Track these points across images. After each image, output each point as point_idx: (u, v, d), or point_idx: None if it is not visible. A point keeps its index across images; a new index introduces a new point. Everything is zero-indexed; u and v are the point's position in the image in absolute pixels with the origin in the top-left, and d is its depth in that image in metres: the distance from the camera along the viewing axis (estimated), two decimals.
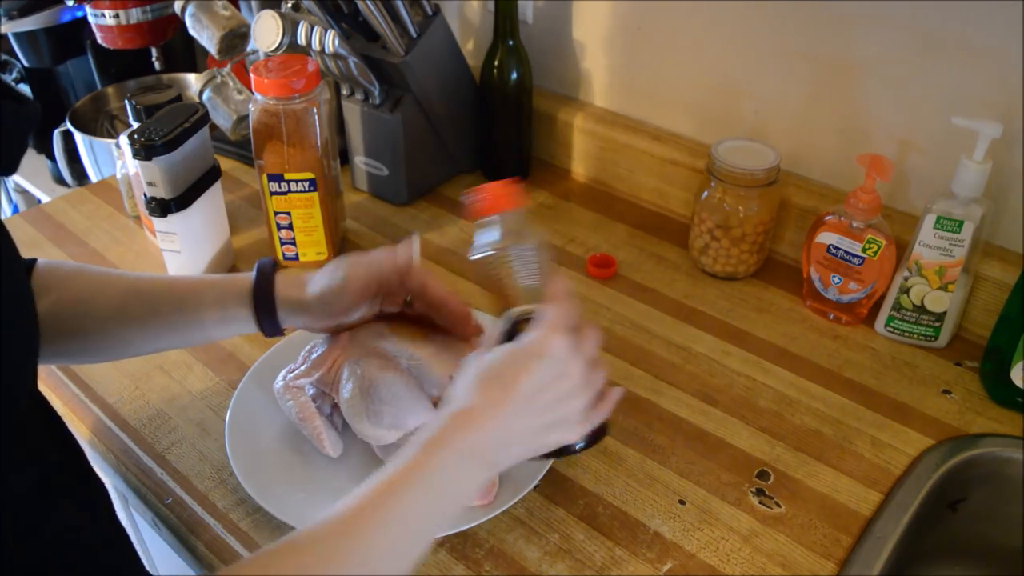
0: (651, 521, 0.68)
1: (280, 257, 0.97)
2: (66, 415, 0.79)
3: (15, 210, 1.69)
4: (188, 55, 1.46)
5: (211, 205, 0.92)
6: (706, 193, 0.92)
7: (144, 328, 0.69)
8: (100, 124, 1.35)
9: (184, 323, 0.69)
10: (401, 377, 0.69)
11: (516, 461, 0.58)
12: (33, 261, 0.68)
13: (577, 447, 0.61)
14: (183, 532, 0.68)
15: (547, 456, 0.60)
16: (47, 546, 0.47)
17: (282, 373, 0.74)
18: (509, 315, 0.62)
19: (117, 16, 1.11)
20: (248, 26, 1.00)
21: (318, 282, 0.69)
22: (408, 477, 0.51)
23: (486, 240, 0.63)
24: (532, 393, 0.55)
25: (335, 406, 0.73)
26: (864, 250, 0.83)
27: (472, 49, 1.20)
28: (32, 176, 1.55)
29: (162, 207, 0.86)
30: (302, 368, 0.73)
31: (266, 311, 0.68)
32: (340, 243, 1.00)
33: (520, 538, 0.67)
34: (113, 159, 1.09)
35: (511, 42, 1.05)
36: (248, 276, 0.70)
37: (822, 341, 0.86)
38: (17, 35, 1.37)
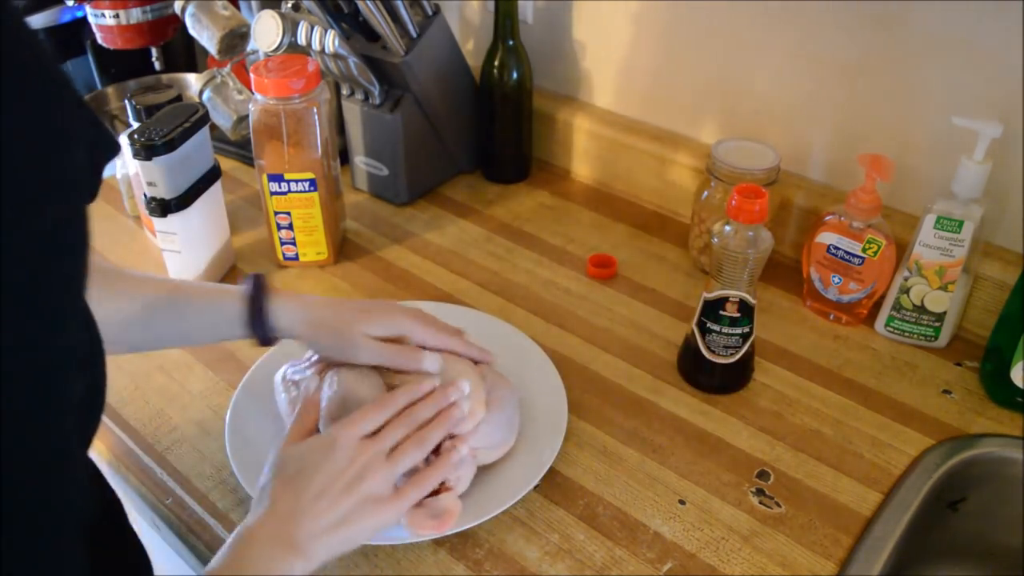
0: (651, 521, 0.68)
1: (280, 257, 0.97)
2: None
3: None
4: (188, 55, 1.46)
5: (211, 205, 0.92)
6: (706, 193, 0.92)
7: (161, 337, 0.71)
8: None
9: (178, 335, 0.71)
10: (373, 392, 0.68)
11: (340, 549, 0.59)
12: None
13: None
14: (183, 532, 0.68)
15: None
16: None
17: (285, 366, 0.74)
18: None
19: (117, 16, 1.11)
20: (248, 26, 1.00)
21: (321, 349, 0.71)
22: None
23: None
24: (322, 488, 0.58)
25: None
26: (864, 250, 0.83)
27: (472, 49, 1.20)
28: None
29: (162, 207, 0.86)
30: (301, 366, 0.73)
31: (260, 319, 0.69)
32: (340, 243, 1.00)
33: (520, 538, 0.67)
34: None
35: (511, 42, 1.05)
36: (242, 295, 0.70)
37: (822, 341, 0.86)
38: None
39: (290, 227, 0.94)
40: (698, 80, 1.00)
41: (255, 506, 0.59)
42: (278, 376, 0.74)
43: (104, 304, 0.66)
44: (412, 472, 0.63)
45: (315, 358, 0.73)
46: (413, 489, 0.62)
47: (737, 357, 0.78)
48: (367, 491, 0.59)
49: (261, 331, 0.69)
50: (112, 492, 0.57)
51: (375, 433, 0.62)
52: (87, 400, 0.41)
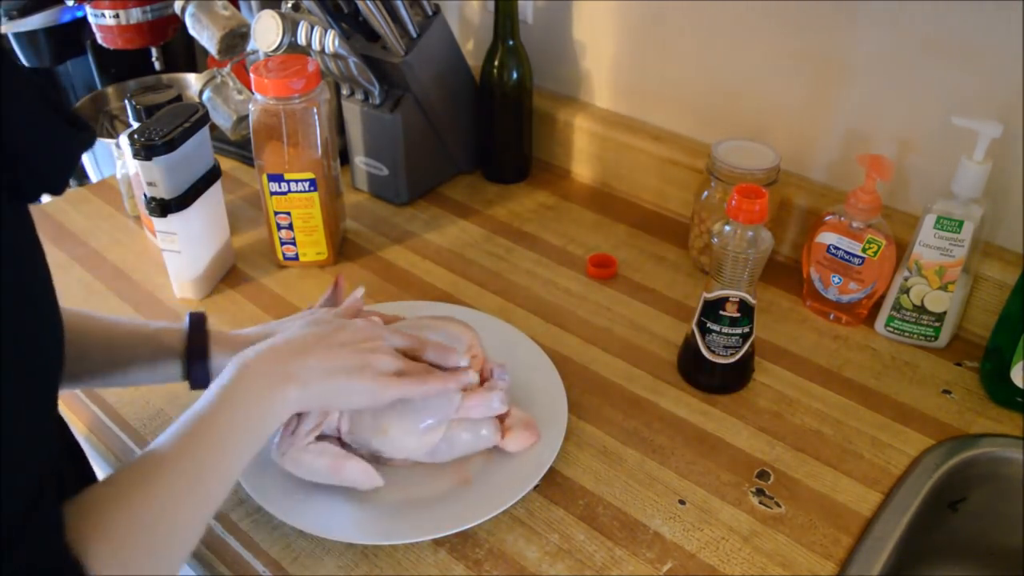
0: (651, 521, 0.68)
1: (280, 257, 0.97)
2: (65, 415, 0.79)
3: None
4: (188, 55, 1.46)
5: (211, 205, 0.92)
6: (706, 193, 0.92)
7: (71, 370, 0.68)
8: (100, 124, 1.35)
9: (113, 371, 0.69)
10: None
11: (334, 394, 0.61)
12: None
13: None
14: None
15: None
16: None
17: (279, 446, 0.67)
18: None
19: (117, 16, 1.11)
20: (248, 26, 1.00)
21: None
22: (215, 409, 0.54)
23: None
24: (324, 341, 0.61)
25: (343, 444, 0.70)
26: (864, 250, 0.83)
27: (472, 49, 1.20)
28: None
29: (162, 207, 0.86)
30: (306, 427, 0.67)
31: (199, 361, 0.69)
32: (340, 243, 1.00)
33: (520, 538, 0.67)
34: (113, 159, 1.09)
35: (511, 42, 1.05)
36: (180, 328, 0.70)
37: (822, 341, 0.86)
38: (17, 35, 1.37)
39: (290, 227, 0.94)
40: (698, 80, 1.00)
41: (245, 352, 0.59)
42: (287, 456, 0.70)
43: None
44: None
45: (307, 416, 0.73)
46: (416, 380, 0.64)
47: (737, 357, 0.78)
48: (372, 360, 0.62)
49: (202, 376, 0.69)
50: (76, 444, 0.59)
51: None
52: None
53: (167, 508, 0.50)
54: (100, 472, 0.78)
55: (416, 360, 0.68)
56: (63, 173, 0.45)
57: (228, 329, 0.73)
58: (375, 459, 0.69)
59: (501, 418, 0.71)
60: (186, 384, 0.81)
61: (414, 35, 0.98)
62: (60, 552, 0.43)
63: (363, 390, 0.61)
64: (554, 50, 1.12)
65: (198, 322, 0.70)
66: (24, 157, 0.41)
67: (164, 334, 0.70)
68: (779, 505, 0.69)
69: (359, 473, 0.66)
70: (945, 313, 0.82)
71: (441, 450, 0.69)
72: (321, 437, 0.68)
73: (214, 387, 0.56)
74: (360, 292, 0.74)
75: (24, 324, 0.41)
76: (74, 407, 0.80)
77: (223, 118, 1.02)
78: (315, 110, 0.88)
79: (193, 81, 1.35)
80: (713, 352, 0.78)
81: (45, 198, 1.47)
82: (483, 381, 0.71)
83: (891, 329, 0.86)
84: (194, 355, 0.69)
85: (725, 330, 0.76)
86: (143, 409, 0.79)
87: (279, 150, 0.89)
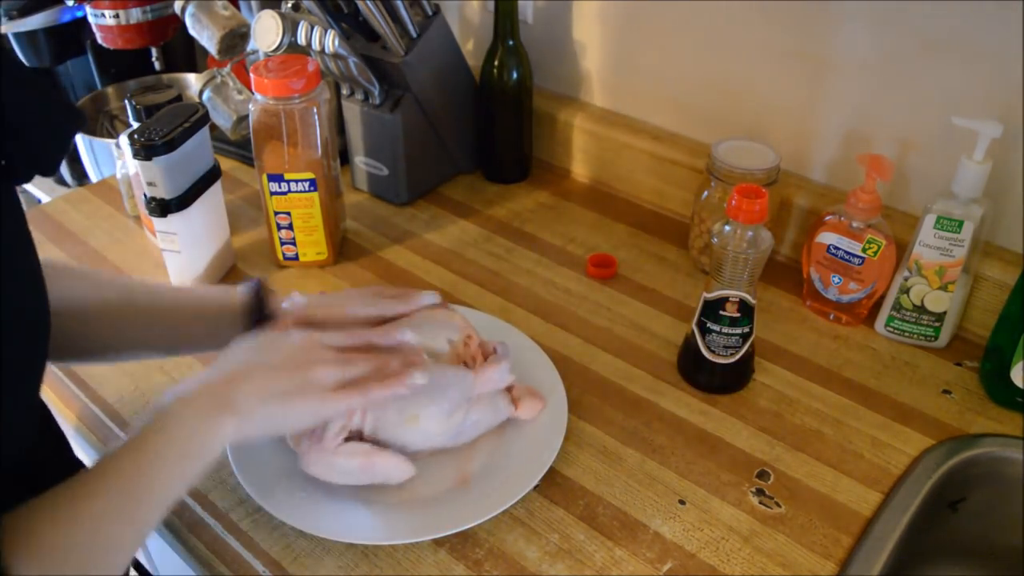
0: (651, 521, 0.68)
1: (280, 257, 0.97)
2: (66, 414, 0.79)
3: None
4: (188, 55, 1.46)
5: (211, 205, 0.92)
6: (706, 193, 0.92)
7: (136, 338, 0.69)
8: (100, 124, 1.35)
9: (176, 339, 0.69)
10: None
11: (270, 425, 0.59)
12: None
13: None
14: (183, 532, 0.68)
15: None
16: None
17: (307, 456, 0.67)
18: None
19: (117, 16, 1.11)
20: (248, 26, 1.00)
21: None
22: (147, 436, 0.54)
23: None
24: (264, 362, 0.59)
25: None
26: (864, 250, 0.83)
27: (472, 49, 1.20)
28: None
29: (162, 207, 0.86)
30: (332, 431, 0.66)
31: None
32: (340, 243, 1.00)
33: (520, 538, 0.67)
34: (113, 159, 1.09)
35: (511, 42, 1.05)
36: (240, 296, 0.70)
37: (822, 341, 0.86)
38: (17, 35, 1.37)
39: (290, 227, 0.94)
40: (698, 80, 1.00)
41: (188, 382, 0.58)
42: (316, 457, 0.70)
43: (82, 293, 0.66)
44: None
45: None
46: (358, 390, 0.60)
47: (737, 357, 0.78)
48: (310, 376, 0.59)
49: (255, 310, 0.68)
50: (59, 430, 0.59)
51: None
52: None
53: (95, 527, 0.50)
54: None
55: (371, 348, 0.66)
56: (56, 153, 0.45)
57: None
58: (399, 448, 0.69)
59: (508, 391, 0.73)
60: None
61: (414, 35, 0.98)
62: None
63: (304, 410, 0.59)
64: (554, 50, 1.12)
65: (257, 289, 0.70)
66: (17, 136, 0.42)
67: (225, 305, 0.70)
68: (779, 505, 0.69)
69: (392, 466, 0.67)
70: (945, 313, 0.82)
71: (465, 431, 0.70)
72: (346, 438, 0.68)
73: (152, 413, 0.55)
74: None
75: (8, 307, 0.41)
76: (74, 407, 0.80)
77: (223, 118, 1.02)
78: (315, 110, 0.88)
79: (193, 81, 1.35)
80: (713, 352, 0.78)
81: (40, 196, 1.47)
82: (486, 358, 0.72)
83: (891, 329, 0.86)
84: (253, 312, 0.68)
85: (725, 330, 0.76)
86: (143, 409, 0.79)
87: (279, 150, 0.89)
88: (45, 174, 0.45)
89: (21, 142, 0.42)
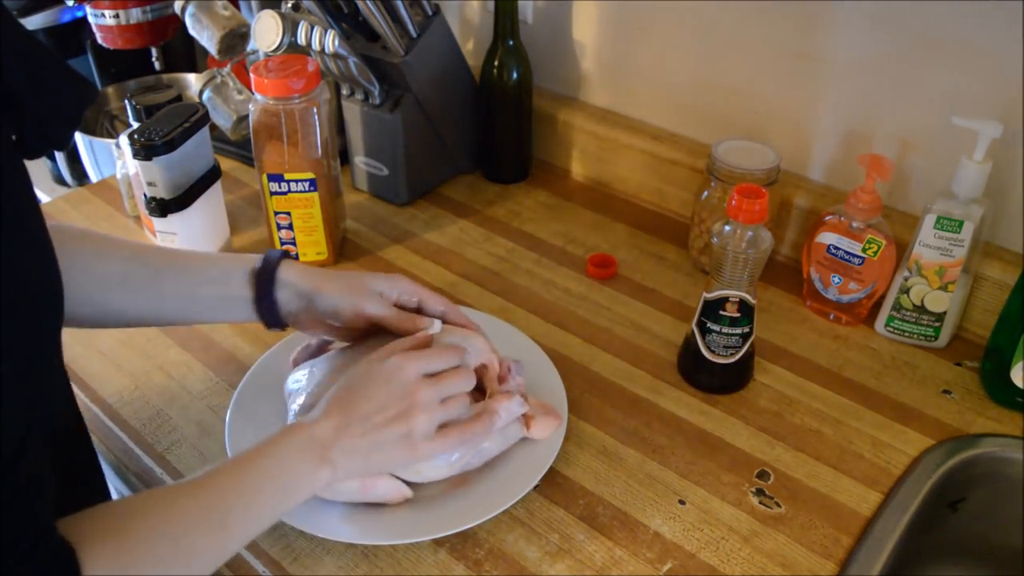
0: (651, 521, 0.68)
1: None
2: None
3: None
4: (188, 55, 1.46)
5: (211, 205, 0.92)
6: (706, 193, 0.92)
7: (145, 296, 0.68)
8: (100, 124, 1.35)
9: (185, 295, 0.69)
10: None
11: (362, 471, 0.62)
12: None
13: None
14: None
15: None
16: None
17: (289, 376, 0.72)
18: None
19: (117, 16, 1.11)
20: (248, 26, 1.00)
21: (328, 297, 0.69)
22: (242, 463, 0.55)
23: None
24: (372, 411, 0.60)
25: None
26: (864, 250, 0.83)
27: (472, 49, 1.20)
28: (32, 176, 1.55)
29: (162, 207, 0.86)
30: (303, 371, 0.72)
31: (267, 295, 0.69)
32: (340, 243, 1.00)
33: (520, 538, 0.67)
34: (113, 159, 1.09)
35: (511, 42, 1.05)
36: (254, 258, 0.70)
37: (822, 341, 0.86)
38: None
39: (290, 227, 0.94)
40: (698, 80, 1.00)
41: (312, 411, 0.61)
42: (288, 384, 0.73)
43: (95, 262, 0.66)
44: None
45: (315, 342, 0.73)
46: (454, 438, 0.64)
47: (737, 357, 0.78)
48: (411, 428, 0.61)
49: (266, 287, 0.68)
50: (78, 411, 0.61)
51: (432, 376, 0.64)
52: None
53: (180, 536, 0.50)
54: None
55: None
56: (68, 127, 0.45)
57: (230, 333, 0.73)
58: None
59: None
60: (186, 385, 0.81)
61: (414, 35, 0.98)
62: (39, 524, 0.43)
63: (400, 460, 0.62)
64: (554, 50, 1.12)
65: (273, 257, 0.70)
66: (30, 109, 0.42)
67: (236, 262, 0.70)
68: (779, 505, 0.69)
69: (390, 490, 0.67)
70: (945, 313, 0.82)
71: (473, 464, 0.69)
72: None
73: (263, 440, 0.57)
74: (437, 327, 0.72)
75: (20, 281, 0.41)
76: None
77: (223, 118, 1.02)
78: (315, 110, 0.88)
79: (193, 81, 1.35)
80: (713, 352, 0.78)
81: (40, 196, 1.47)
82: (501, 380, 0.71)
83: (891, 329, 0.86)
84: (263, 274, 0.69)
85: (725, 330, 0.76)
86: (143, 409, 0.79)
87: (279, 150, 0.89)
88: (56, 148, 0.45)
89: (32, 116, 0.42)
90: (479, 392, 0.71)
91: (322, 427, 0.59)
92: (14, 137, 0.42)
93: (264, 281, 0.69)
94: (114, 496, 0.78)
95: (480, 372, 0.70)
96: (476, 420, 0.65)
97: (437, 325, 0.70)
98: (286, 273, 0.69)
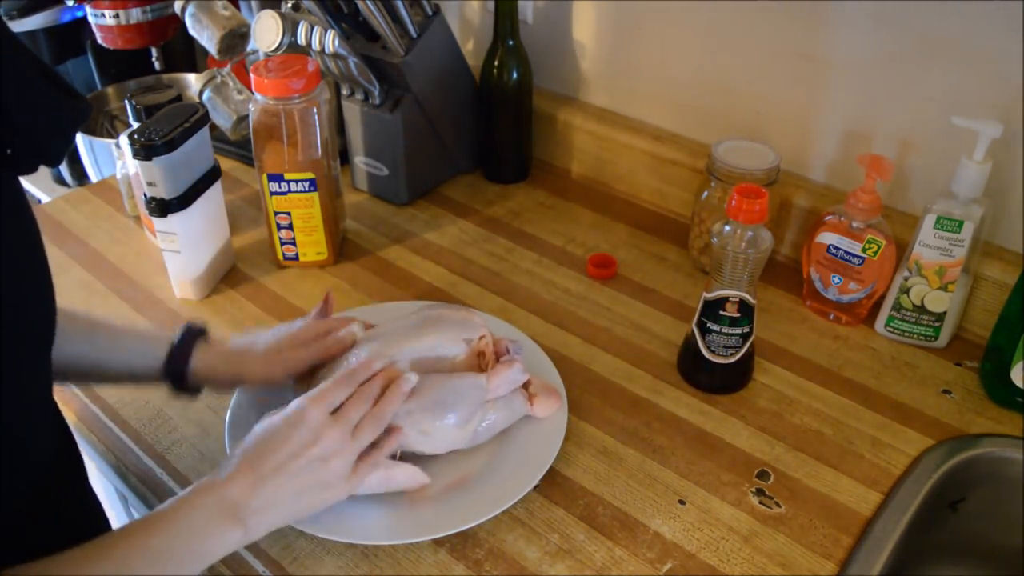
0: (651, 521, 0.68)
1: (280, 257, 0.97)
2: (65, 414, 0.79)
3: None
4: (188, 55, 1.46)
5: (211, 205, 0.92)
6: (706, 193, 0.92)
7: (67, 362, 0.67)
8: (100, 124, 1.35)
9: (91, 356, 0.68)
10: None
11: (281, 523, 0.60)
12: None
13: None
14: None
15: None
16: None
17: None
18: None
19: (117, 16, 1.11)
20: (248, 26, 1.00)
21: (250, 387, 0.70)
22: (150, 525, 0.53)
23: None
24: (283, 462, 0.58)
25: None
26: (864, 250, 0.83)
27: (472, 49, 1.20)
28: (32, 176, 1.55)
29: (162, 207, 0.86)
30: None
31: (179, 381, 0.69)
32: (340, 243, 1.00)
33: (520, 538, 0.67)
34: (113, 159, 1.09)
35: (511, 42, 1.05)
36: (165, 345, 0.69)
37: (822, 341, 0.86)
38: (17, 35, 1.37)
39: (290, 227, 0.94)
40: (698, 80, 1.00)
41: (218, 469, 0.58)
42: None
43: None
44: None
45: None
46: (364, 470, 0.63)
47: (737, 357, 0.78)
48: (327, 474, 0.60)
49: (176, 363, 0.68)
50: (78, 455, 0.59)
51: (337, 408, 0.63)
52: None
53: None
54: (100, 473, 0.78)
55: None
56: (61, 143, 0.45)
57: (229, 332, 0.73)
58: (412, 454, 0.69)
59: (525, 387, 0.73)
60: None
61: (414, 35, 0.98)
62: None
63: (325, 502, 0.61)
64: (554, 50, 1.12)
65: (192, 329, 0.70)
66: (21, 126, 0.41)
67: (153, 331, 0.70)
68: (779, 505, 0.69)
69: (409, 478, 0.67)
70: (945, 313, 0.82)
71: (480, 433, 0.70)
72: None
73: (172, 501, 0.55)
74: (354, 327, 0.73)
75: (14, 297, 0.41)
76: (74, 407, 0.80)
77: (223, 118, 1.02)
78: (315, 110, 0.88)
79: (193, 81, 1.35)
80: (713, 352, 0.78)
81: (40, 196, 1.47)
82: (499, 357, 0.72)
83: (891, 329, 0.86)
84: (176, 355, 0.68)
85: (725, 330, 0.76)
86: (143, 409, 0.79)
87: (279, 150, 0.89)
88: (49, 164, 0.45)
89: (25, 132, 0.42)
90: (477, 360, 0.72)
91: (233, 487, 0.56)
92: (7, 152, 0.42)
93: (177, 371, 0.69)
94: (110, 513, 0.78)
95: (481, 348, 0.72)
96: (385, 439, 0.65)
97: (355, 327, 0.72)
98: (201, 363, 0.69)
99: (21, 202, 0.43)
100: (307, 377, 0.72)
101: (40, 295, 0.45)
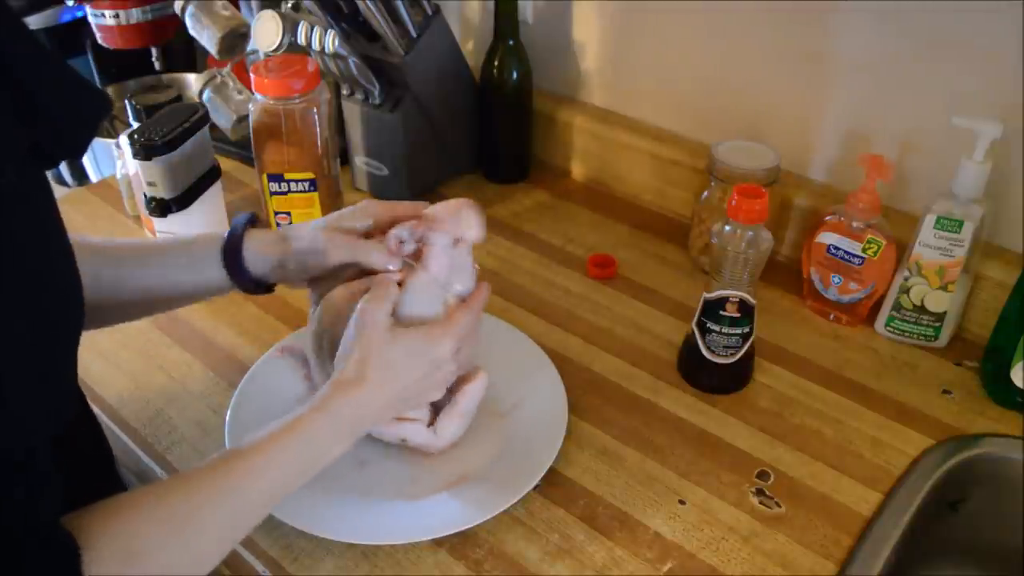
0: (651, 521, 0.68)
1: None
2: None
3: None
4: (188, 55, 1.46)
5: (211, 205, 0.92)
6: (706, 193, 0.92)
7: (117, 292, 0.68)
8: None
9: (155, 275, 0.69)
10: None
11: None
12: None
13: None
14: None
15: None
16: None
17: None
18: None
19: (117, 16, 1.11)
20: (248, 26, 1.00)
21: (296, 243, 0.69)
22: (286, 435, 0.56)
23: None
24: (408, 385, 0.63)
25: None
26: (864, 250, 0.83)
27: (472, 49, 1.20)
28: None
29: (162, 207, 0.86)
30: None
31: (236, 265, 0.69)
32: None
33: (520, 538, 0.67)
34: (113, 159, 1.09)
35: (511, 42, 1.05)
36: (220, 235, 0.70)
37: (822, 341, 0.86)
38: None
39: None
40: (698, 80, 1.00)
41: (354, 364, 0.60)
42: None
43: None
44: None
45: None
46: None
47: (737, 357, 0.78)
48: (429, 399, 0.67)
49: (233, 256, 0.68)
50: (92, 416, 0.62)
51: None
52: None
53: (188, 522, 0.50)
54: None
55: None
56: (85, 136, 0.46)
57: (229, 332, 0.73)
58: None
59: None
60: (186, 385, 0.81)
61: (414, 35, 0.98)
62: (46, 527, 0.43)
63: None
64: (554, 50, 1.12)
65: (237, 229, 0.70)
66: (49, 115, 0.42)
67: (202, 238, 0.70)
68: (779, 505, 0.69)
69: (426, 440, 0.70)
70: (945, 313, 0.82)
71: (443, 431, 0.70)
72: None
73: (283, 421, 0.57)
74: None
75: (40, 290, 0.42)
76: None
77: (223, 118, 1.02)
78: (315, 110, 0.88)
79: (193, 81, 1.35)
80: (713, 352, 0.78)
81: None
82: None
83: (891, 329, 0.86)
84: (229, 248, 0.68)
85: (725, 330, 0.76)
86: (143, 409, 0.79)
87: (279, 150, 0.89)
88: (73, 156, 0.45)
89: (50, 122, 0.42)
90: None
91: (359, 407, 0.60)
92: (36, 144, 0.42)
93: (232, 259, 0.68)
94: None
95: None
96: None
97: (394, 274, 0.67)
98: (251, 244, 0.69)
99: (50, 196, 0.44)
100: (327, 280, 0.69)
101: (67, 287, 0.46)
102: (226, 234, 0.69)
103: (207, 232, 0.71)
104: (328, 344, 0.67)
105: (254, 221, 0.71)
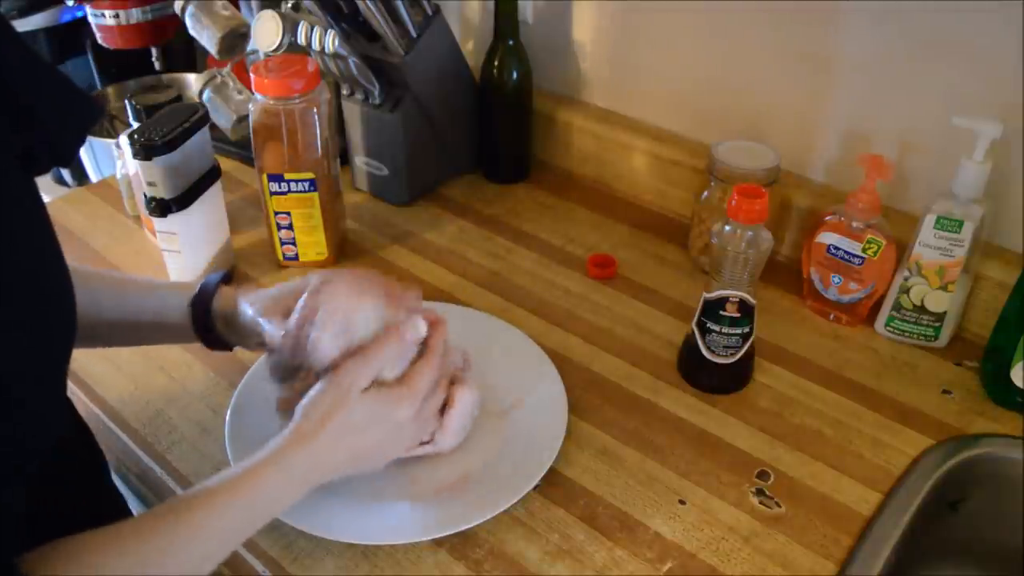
0: (651, 521, 0.68)
1: (280, 257, 0.97)
2: None
3: None
4: (188, 55, 1.46)
5: (211, 205, 0.92)
6: (706, 193, 0.92)
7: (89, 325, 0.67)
8: (100, 124, 1.35)
9: (124, 323, 0.69)
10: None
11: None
12: None
13: None
14: None
15: None
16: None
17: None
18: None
19: (117, 16, 1.11)
20: (248, 26, 1.00)
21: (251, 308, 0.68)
22: (239, 486, 0.55)
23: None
24: (368, 447, 0.61)
25: None
26: (864, 250, 0.83)
27: (472, 49, 1.20)
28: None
29: (162, 207, 0.86)
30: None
31: (202, 323, 0.68)
32: (340, 243, 1.00)
33: (520, 538, 0.67)
34: (113, 159, 1.09)
35: (511, 42, 1.05)
36: (191, 289, 0.69)
37: (822, 341, 0.86)
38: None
39: (290, 227, 0.94)
40: (698, 80, 1.00)
41: (317, 418, 0.58)
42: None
43: None
44: None
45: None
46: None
47: (737, 357, 0.78)
48: (388, 459, 0.65)
49: (201, 306, 0.68)
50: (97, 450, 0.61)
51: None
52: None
53: (144, 563, 0.49)
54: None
55: None
56: (76, 141, 0.45)
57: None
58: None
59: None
60: (186, 385, 0.81)
61: (414, 35, 0.98)
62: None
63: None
64: (554, 50, 1.12)
65: (213, 280, 0.70)
66: (40, 122, 0.42)
67: (176, 286, 0.70)
68: (779, 505, 0.69)
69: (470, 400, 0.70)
70: (945, 313, 0.82)
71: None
72: None
73: (239, 467, 0.56)
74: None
75: (33, 299, 0.41)
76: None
77: (223, 118, 1.02)
78: (315, 110, 0.88)
79: (193, 81, 1.35)
80: (713, 352, 0.78)
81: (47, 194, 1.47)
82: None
83: (891, 329, 0.86)
84: (198, 301, 0.68)
85: (725, 330, 0.76)
86: (143, 409, 0.79)
87: (279, 150, 0.89)
88: (62, 164, 0.45)
89: (42, 129, 0.42)
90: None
91: (314, 460, 0.58)
92: (28, 149, 0.42)
93: (200, 312, 0.68)
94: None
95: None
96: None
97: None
98: (222, 301, 0.69)
99: (41, 204, 0.44)
100: (280, 316, 0.67)
101: (60, 296, 0.45)
102: (201, 284, 0.69)
103: (182, 285, 0.71)
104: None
105: (224, 279, 0.70)
